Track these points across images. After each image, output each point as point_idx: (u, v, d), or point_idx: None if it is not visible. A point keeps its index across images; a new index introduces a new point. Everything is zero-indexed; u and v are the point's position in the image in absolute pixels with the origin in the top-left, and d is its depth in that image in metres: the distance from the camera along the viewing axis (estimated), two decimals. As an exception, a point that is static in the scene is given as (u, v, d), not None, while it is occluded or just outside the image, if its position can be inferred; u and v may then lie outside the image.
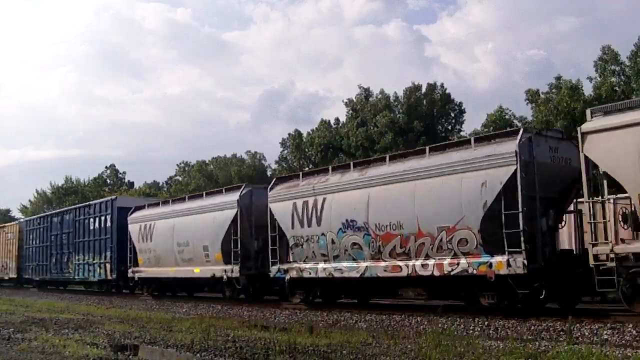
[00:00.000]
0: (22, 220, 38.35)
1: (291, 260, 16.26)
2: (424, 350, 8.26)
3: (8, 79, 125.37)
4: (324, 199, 15.15)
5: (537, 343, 8.84)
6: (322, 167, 18.93)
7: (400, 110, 41.99)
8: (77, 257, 27.84)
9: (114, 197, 28.26)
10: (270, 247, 16.81)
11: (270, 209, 16.75)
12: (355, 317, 13.60)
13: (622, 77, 31.40)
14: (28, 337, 10.84)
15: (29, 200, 70.03)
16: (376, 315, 13.49)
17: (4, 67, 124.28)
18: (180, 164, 62.47)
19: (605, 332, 9.60)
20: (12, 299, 24.70)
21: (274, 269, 16.59)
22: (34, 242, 33.83)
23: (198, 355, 8.72)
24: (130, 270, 23.38)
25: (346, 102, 44.72)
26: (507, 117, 35.89)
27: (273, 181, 17.52)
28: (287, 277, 16.16)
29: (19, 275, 35.73)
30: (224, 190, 20.06)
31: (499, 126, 32.15)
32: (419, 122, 40.14)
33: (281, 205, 16.46)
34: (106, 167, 66.29)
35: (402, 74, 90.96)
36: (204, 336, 10.39)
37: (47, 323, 13.54)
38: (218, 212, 18.90)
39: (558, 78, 32.44)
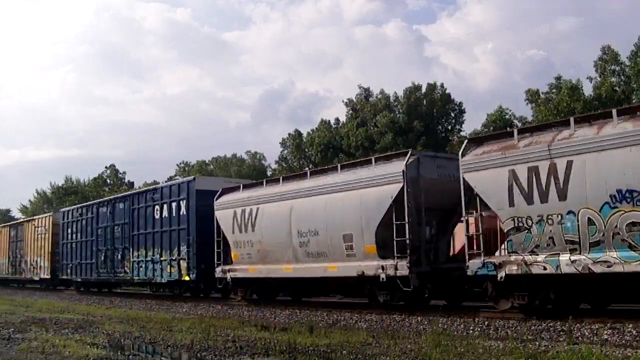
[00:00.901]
0: (59, 211, 32.61)
1: (506, 250, 11.90)
2: (424, 350, 8.26)
3: (8, 79, 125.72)
4: (569, 163, 10.80)
5: (537, 343, 8.83)
6: (555, 120, 14.15)
7: (400, 110, 42.10)
8: (135, 254, 22.95)
9: (191, 177, 22.43)
10: (466, 233, 12.77)
11: (465, 180, 12.51)
12: (355, 317, 13.60)
13: (622, 77, 31.49)
14: (28, 337, 10.83)
15: (29, 200, 70.28)
16: (376, 315, 13.48)
17: (4, 67, 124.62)
18: (180, 164, 62.74)
19: (605, 332, 9.59)
20: (12, 299, 24.67)
21: (474, 264, 12.16)
22: (73, 237, 28.36)
23: (198, 355, 8.71)
24: (218, 270, 18.39)
25: (346, 102, 44.88)
26: (507, 117, 35.97)
27: (465, 144, 13.17)
28: (502, 274, 11.61)
29: (52, 275, 30.70)
30: (373, 161, 14.90)
31: (499, 126, 32.20)
32: (419, 122, 40.22)
33: (488, 175, 12.08)
34: (106, 167, 66.44)
35: (402, 74, 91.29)
36: (204, 336, 10.39)
37: (47, 323, 13.53)
38: (370, 189, 14.06)
39: (558, 78, 32.58)
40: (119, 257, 24.12)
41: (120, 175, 66.39)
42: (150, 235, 22.13)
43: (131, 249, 23.26)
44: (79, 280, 28.08)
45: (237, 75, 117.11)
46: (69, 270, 28.68)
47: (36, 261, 32.58)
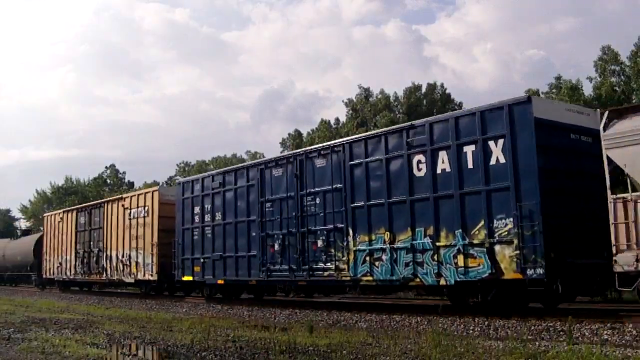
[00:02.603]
0: (177, 182, 23.16)
1: None
2: (424, 350, 8.26)
3: (8, 79, 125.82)
4: None
5: (537, 343, 8.83)
6: None
7: (400, 110, 42.09)
8: (362, 238, 14.28)
9: (522, 96, 12.07)
10: None
11: None
12: (355, 317, 13.60)
13: (622, 77, 31.46)
14: (28, 337, 10.83)
15: (29, 200, 70.13)
16: (376, 315, 13.48)
17: (4, 67, 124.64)
18: (180, 164, 62.91)
19: (605, 332, 9.60)
20: (12, 299, 24.66)
21: None
22: (207, 218, 19.27)
23: (198, 355, 8.71)
24: (624, 257, 10.45)
25: (346, 102, 44.85)
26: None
27: None
28: None
29: (161, 276, 21.94)
30: None
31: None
32: (419, 122, 40.22)
33: None
34: (106, 167, 66.47)
35: (402, 74, 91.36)
36: (204, 336, 10.39)
37: (47, 323, 13.53)
38: None
39: (558, 78, 32.56)
40: (322, 244, 15.32)
41: (120, 175, 66.45)
42: (403, 207, 13.49)
43: (350, 231, 14.62)
44: (221, 282, 18.86)
45: (237, 75, 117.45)
46: (197, 269, 19.68)
47: (129, 256, 23.73)
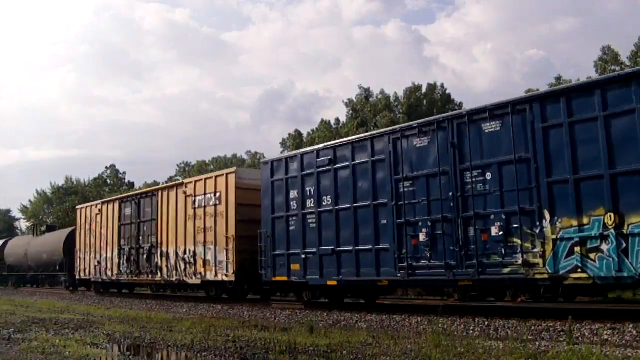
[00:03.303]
0: (263, 161, 18.19)
1: None
2: (424, 350, 8.25)
3: (8, 79, 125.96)
4: None
5: (537, 343, 8.83)
6: None
7: (400, 110, 42.13)
8: (563, 221, 10.80)
9: None
10: None
11: None
12: (355, 317, 13.60)
13: (622, 77, 31.47)
14: (28, 337, 10.83)
15: (29, 200, 70.17)
16: (376, 315, 13.48)
17: (4, 67, 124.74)
18: (180, 164, 62.99)
19: (605, 332, 9.60)
20: (12, 299, 24.66)
21: None
22: (309, 204, 15.50)
23: (198, 355, 8.71)
24: None
25: (346, 102, 44.89)
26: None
27: None
28: None
29: (239, 276, 18.02)
30: None
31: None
32: (419, 122, 40.25)
33: None
34: (106, 167, 66.54)
35: (402, 74, 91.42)
36: (204, 336, 10.40)
37: (47, 323, 13.53)
38: None
39: (558, 78, 32.66)
40: (498, 233, 11.68)
41: (120, 175, 66.48)
42: (635, 179, 10.01)
43: (545, 214, 11.07)
44: (332, 283, 14.98)
45: (237, 75, 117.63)
46: (295, 267, 15.85)
47: (193, 252, 19.73)
